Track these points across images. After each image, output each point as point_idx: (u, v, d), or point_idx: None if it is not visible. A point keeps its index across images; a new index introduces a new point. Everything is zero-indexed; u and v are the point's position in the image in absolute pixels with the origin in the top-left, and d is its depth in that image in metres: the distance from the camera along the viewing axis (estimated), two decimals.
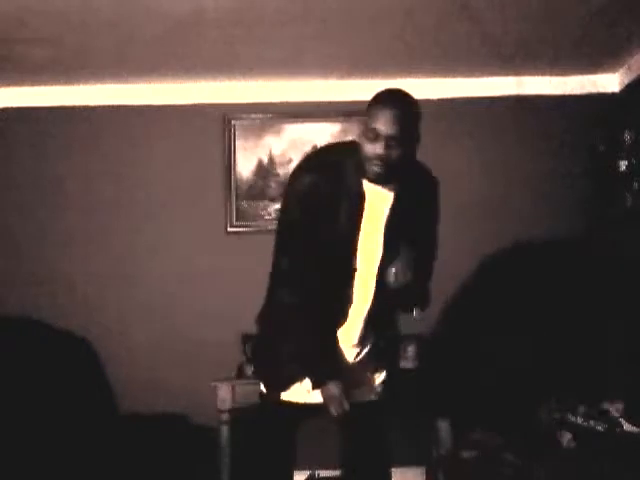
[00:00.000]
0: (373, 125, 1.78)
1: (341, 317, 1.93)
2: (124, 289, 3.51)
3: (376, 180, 1.83)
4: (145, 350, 3.44)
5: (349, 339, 1.96)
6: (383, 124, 1.77)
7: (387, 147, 1.77)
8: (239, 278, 3.40)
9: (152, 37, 3.00)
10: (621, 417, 2.77)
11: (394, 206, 1.89)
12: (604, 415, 2.79)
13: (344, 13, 2.85)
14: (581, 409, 2.83)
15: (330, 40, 3.10)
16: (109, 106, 3.58)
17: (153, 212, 3.57)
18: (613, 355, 3.26)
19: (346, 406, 1.86)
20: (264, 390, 2.02)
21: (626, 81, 3.51)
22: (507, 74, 3.56)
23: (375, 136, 1.77)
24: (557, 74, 3.58)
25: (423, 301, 2.08)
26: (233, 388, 3.00)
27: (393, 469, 2.22)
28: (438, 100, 3.60)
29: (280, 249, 1.95)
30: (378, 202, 1.88)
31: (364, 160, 1.81)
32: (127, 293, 3.51)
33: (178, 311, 3.48)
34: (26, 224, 3.51)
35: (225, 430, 2.97)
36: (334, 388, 1.87)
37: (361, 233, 1.88)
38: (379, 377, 2.07)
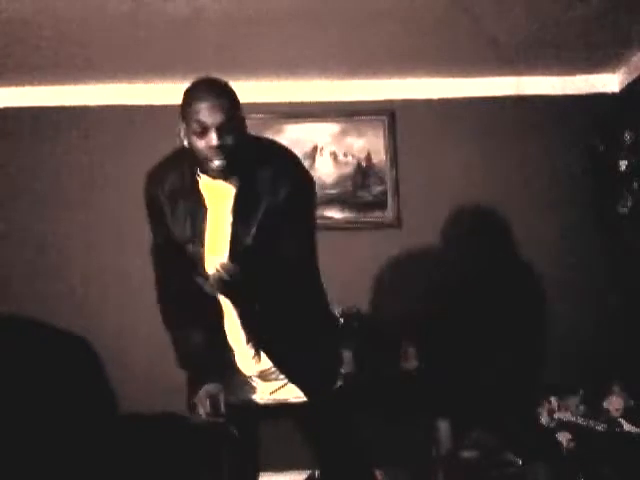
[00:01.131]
0: (197, 118, 1.70)
1: (215, 315, 1.89)
2: (124, 289, 3.51)
3: (222, 173, 1.75)
4: (145, 350, 3.43)
5: (237, 340, 1.92)
6: (208, 115, 1.70)
7: (219, 137, 1.70)
8: None
9: (152, 37, 3.00)
10: (621, 417, 2.77)
11: (236, 197, 1.81)
12: (604, 415, 2.79)
13: (344, 13, 2.85)
14: (581, 409, 2.83)
15: (330, 40, 3.10)
16: (109, 106, 3.57)
17: None
18: (613, 355, 3.26)
19: (220, 409, 1.80)
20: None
21: (626, 81, 3.51)
22: (507, 74, 3.56)
23: (202, 129, 1.70)
24: (557, 74, 3.58)
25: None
26: None
27: (392, 469, 2.19)
28: (438, 100, 3.60)
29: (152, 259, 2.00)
30: (220, 197, 1.82)
31: (201, 159, 1.74)
32: (127, 293, 3.50)
33: None
34: (26, 224, 3.50)
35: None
36: (206, 389, 1.83)
37: (208, 231, 1.83)
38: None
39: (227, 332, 1.93)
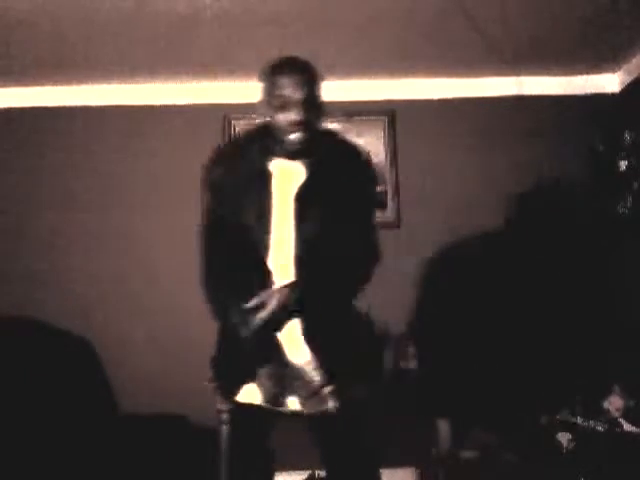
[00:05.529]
0: (279, 92, 1.73)
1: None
2: (124, 289, 3.51)
3: (298, 149, 1.77)
4: (145, 350, 3.43)
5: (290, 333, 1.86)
6: (292, 90, 1.73)
7: (300, 112, 1.73)
8: None
9: (152, 37, 3.00)
10: (621, 417, 2.77)
11: (307, 179, 1.81)
12: (604, 415, 2.79)
13: (344, 13, 2.85)
14: (581, 409, 2.83)
15: (330, 40, 3.10)
16: (109, 106, 3.58)
17: (153, 212, 3.57)
18: (614, 354, 3.26)
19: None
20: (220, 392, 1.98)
21: (626, 81, 3.51)
22: (507, 74, 3.56)
23: (284, 104, 1.73)
24: (557, 74, 3.58)
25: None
26: None
27: (392, 469, 2.19)
28: (438, 100, 3.60)
29: (202, 240, 1.97)
30: (289, 178, 1.82)
31: (280, 134, 1.76)
32: (127, 293, 3.51)
33: (178, 311, 3.47)
34: (26, 224, 3.51)
35: (225, 430, 2.96)
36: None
37: (274, 212, 1.81)
38: (327, 388, 1.91)
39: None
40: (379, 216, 3.54)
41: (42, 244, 3.49)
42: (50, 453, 2.76)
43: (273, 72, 1.79)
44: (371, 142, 3.58)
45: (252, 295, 1.79)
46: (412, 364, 3.19)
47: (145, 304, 3.49)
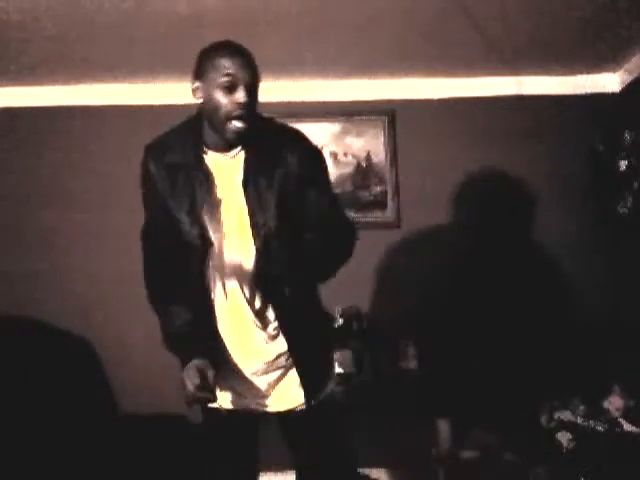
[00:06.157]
0: (227, 72, 1.62)
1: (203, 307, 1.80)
2: (124, 289, 3.50)
3: (239, 137, 1.66)
4: (145, 350, 3.43)
5: (244, 328, 1.81)
6: (240, 70, 1.63)
7: (248, 94, 1.62)
8: None
9: (152, 37, 3.00)
10: (621, 417, 2.77)
11: (246, 172, 1.72)
12: (604, 415, 2.79)
13: (344, 13, 2.85)
14: (581, 409, 2.83)
15: (330, 40, 3.10)
16: (109, 106, 3.58)
17: None
18: (614, 354, 3.26)
19: (209, 383, 1.66)
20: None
21: (626, 81, 3.51)
22: (507, 74, 3.56)
23: (231, 85, 1.62)
24: (557, 74, 3.58)
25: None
26: None
27: (392, 469, 2.18)
28: (438, 100, 3.60)
29: (141, 241, 2.01)
30: (229, 175, 1.74)
31: (221, 118, 1.64)
32: (127, 293, 3.50)
33: None
34: (26, 224, 3.50)
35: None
36: (194, 363, 1.69)
37: (222, 207, 1.74)
38: (289, 383, 1.86)
39: (225, 324, 1.82)
40: (379, 216, 3.57)
41: (42, 244, 3.49)
42: (50, 453, 2.76)
43: (217, 52, 1.67)
44: (371, 142, 3.58)
45: (188, 297, 1.79)
46: (412, 364, 3.19)
47: (145, 304, 3.47)
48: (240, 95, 1.63)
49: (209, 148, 1.74)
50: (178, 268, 1.80)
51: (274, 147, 1.74)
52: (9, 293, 3.41)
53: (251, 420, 1.94)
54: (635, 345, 3.24)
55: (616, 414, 2.78)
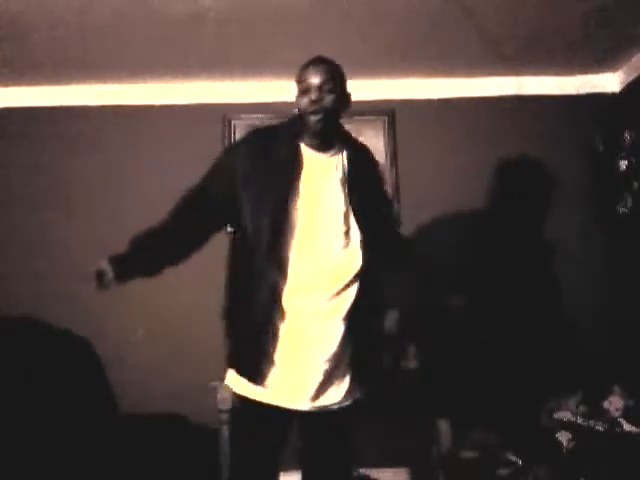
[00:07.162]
0: (302, 79, 1.96)
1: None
2: (124, 289, 3.49)
3: (319, 132, 1.93)
4: (145, 350, 3.43)
5: (315, 308, 1.88)
6: (311, 76, 1.95)
7: (319, 92, 1.92)
8: None
9: (152, 37, 3.00)
10: (621, 417, 2.77)
11: (349, 166, 2.00)
12: (604, 415, 2.79)
13: (344, 13, 2.85)
14: (581, 409, 2.83)
15: (330, 40, 3.10)
16: (109, 106, 3.58)
17: (153, 212, 3.56)
18: (614, 354, 3.26)
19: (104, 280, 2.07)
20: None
21: (626, 81, 3.51)
22: (507, 74, 3.56)
23: (305, 88, 1.94)
24: (557, 74, 3.58)
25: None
26: None
27: (392, 469, 2.19)
28: (438, 100, 3.60)
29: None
30: (319, 167, 1.96)
31: (305, 120, 1.93)
32: (127, 293, 3.50)
33: (178, 311, 3.47)
34: (26, 224, 3.50)
35: (225, 430, 2.96)
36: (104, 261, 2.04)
37: (301, 196, 1.90)
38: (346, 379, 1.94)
39: (296, 320, 1.88)
40: None
41: (42, 244, 3.49)
42: (50, 453, 2.77)
43: (301, 67, 2.01)
44: (371, 142, 3.56)
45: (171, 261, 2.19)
46: (412, 364, 3.19)
47: (145, 304, 3.49)
48: (312, 95, 1.93)
49: (306, 145, 1.98)
50: (188, 236, 2.16)
51: (361, 151, 2.11)
52: (9, 293, 3.41)
53: (288, 418, 1.94)
54: (635, 345, 3.24)
55: (616, 414, 2.78)
